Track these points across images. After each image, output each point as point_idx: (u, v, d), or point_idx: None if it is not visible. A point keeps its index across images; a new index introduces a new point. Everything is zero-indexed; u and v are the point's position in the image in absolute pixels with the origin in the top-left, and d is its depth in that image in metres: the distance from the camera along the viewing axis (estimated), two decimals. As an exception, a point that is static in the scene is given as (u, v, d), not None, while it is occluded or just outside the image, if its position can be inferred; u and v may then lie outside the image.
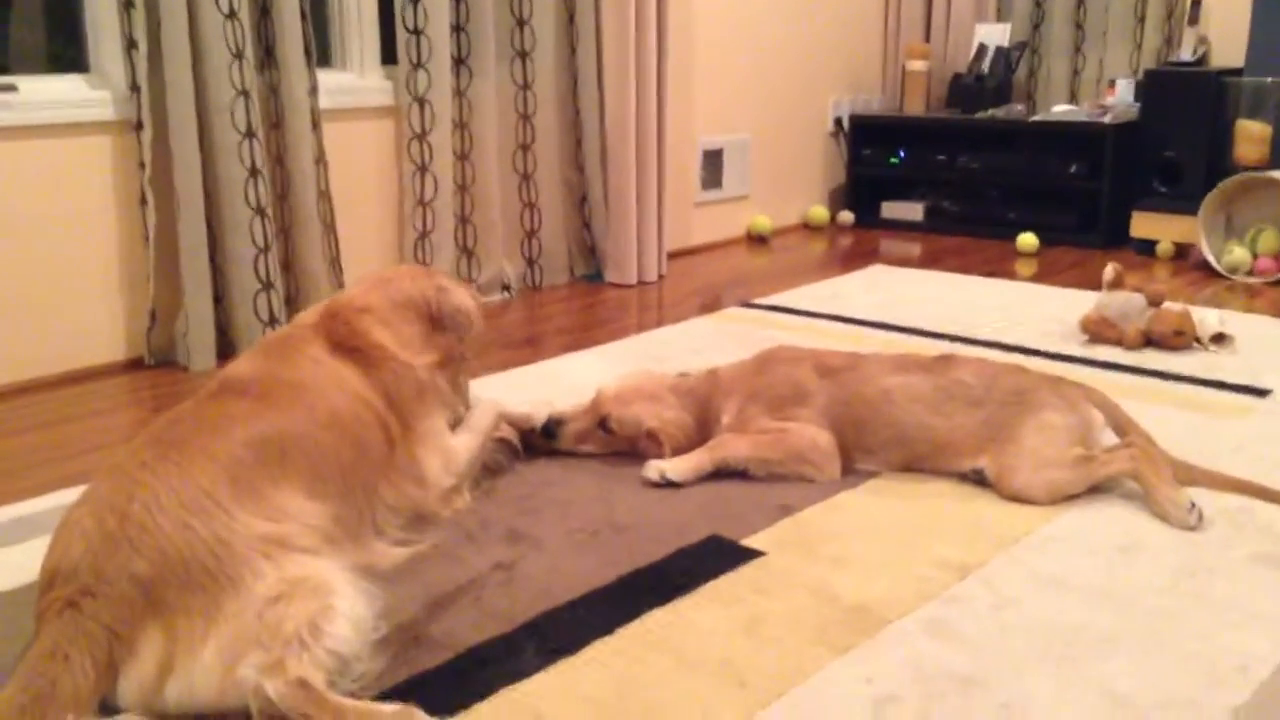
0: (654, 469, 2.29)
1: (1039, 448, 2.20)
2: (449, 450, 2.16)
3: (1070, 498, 2.20)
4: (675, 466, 2.30)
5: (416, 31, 3.60)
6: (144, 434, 1.74)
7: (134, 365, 3.19)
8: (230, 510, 1.58)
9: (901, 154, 5.38)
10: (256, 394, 1.84)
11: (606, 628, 1.73)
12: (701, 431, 2.41)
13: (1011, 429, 2.24)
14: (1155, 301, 3.25)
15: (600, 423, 2.42)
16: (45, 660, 1.43)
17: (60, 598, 1.48)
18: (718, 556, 1.98)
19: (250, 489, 1.64)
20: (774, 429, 2.33)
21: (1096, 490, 2.22)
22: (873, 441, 2.33)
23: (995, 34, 5.37)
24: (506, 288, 4.02)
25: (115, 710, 1.46)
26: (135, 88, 3.01)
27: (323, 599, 1.51)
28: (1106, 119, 4.83)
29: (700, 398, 2.43)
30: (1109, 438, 2.30)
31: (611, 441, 2.42)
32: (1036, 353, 3.16)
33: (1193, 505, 2.09)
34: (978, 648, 1.68)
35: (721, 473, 2.31)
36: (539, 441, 2.46)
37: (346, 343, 2.06)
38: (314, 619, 1.48)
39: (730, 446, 2.33)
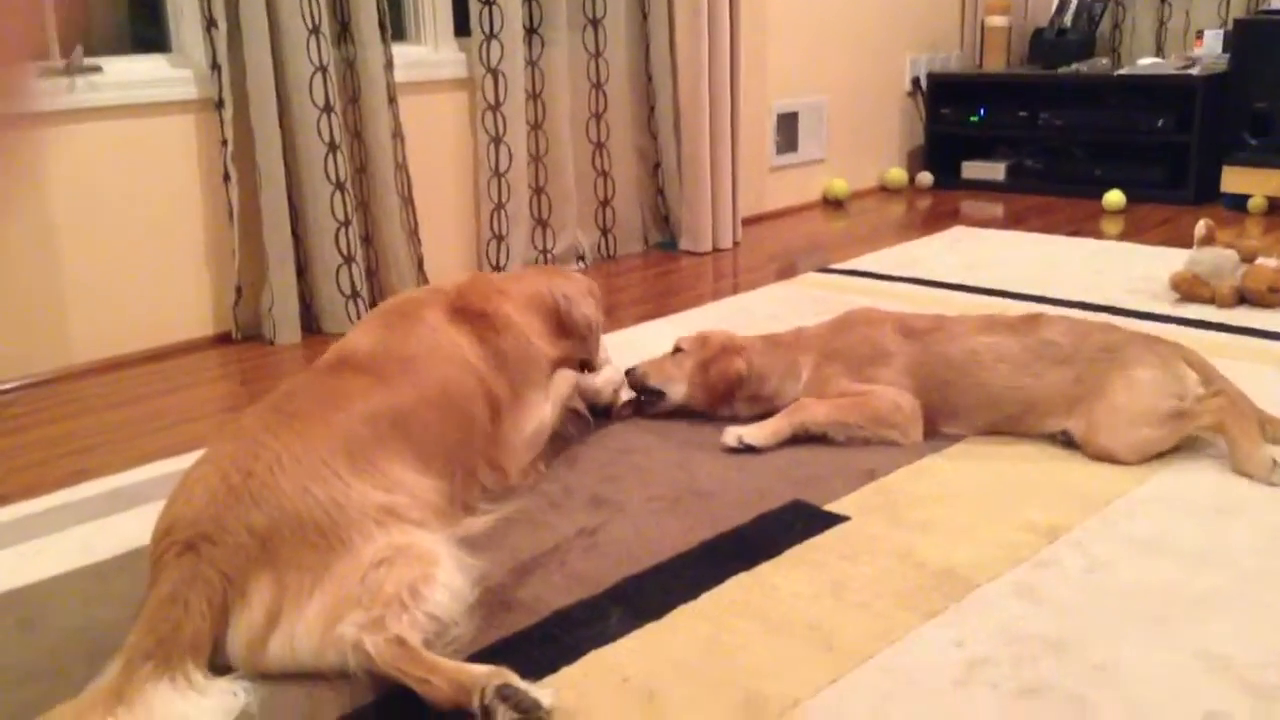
0: (732, 435, 2.29)
1: (1128, 404, 2.15)
2: (541, 422, 2.21)
3: (1159, 455, 2.15)
4: (753, 432, 2.29)
5: (489, 2, 3.60)
6: (264, 402, 1.82)
7: (222, 340, 3.26)
8: (346, 479, 1.64)
9: (981, 112, 5.26)
10: (372, 369, 1.91)
11: (692, 592, 1.74)
12: (779, 384, 2.40)
13: (1101, 386, 2.18)
14: (1248, 257, 3.16)
15: (674, 349, 2.46)
16: (167, 605, 1.48)
17: (179, 541, 1.54)
18: (801, 521, 1.97)
19: (366, 461, 1.71)
20: (855, 391, 2.30)
21: (1190, 450, 2.17)
22: (958, 404, 2.29)
23: (1077, -14, 5.22)
24: (581, 258, 4.02)
25: (221, 669, 1.51)
26: (216, 66, 3.05)
27: (425, 566, 1.56)
28: (1195, 71, 4.68)
29: (782, 348, 2.44)
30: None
31: (689, 381, 2.42)
32: (1126, 312, 3.09)
33: (1276, 462, 2.04)
34: (1069, 611, 1.66)
35: (801, 438, 2.30)
36: (620, 412, 2.49)
37: (474, 309, 2.14)
38: (414, 583, 1.52)
39: (810, 411, 2.31)
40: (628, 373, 2.48)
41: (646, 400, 2.48)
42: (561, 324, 2.34)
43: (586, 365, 2.45)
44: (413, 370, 1.94)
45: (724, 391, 2.40)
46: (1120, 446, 2.14)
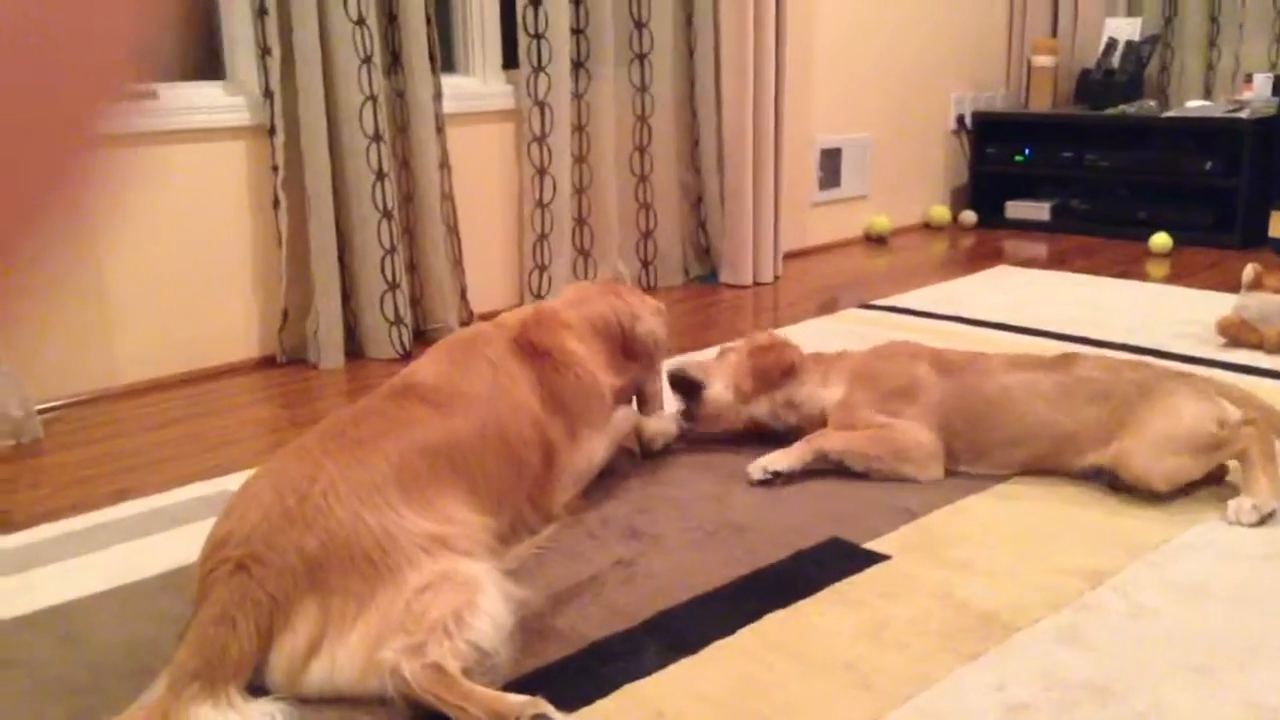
0: (757, 467, 2.29)
1: (1166, 429, 2.14)
2: (592, 461, 2.22)
3: (1200, 496, 2.13)
4: (776, 459, 2.29)
5: (537, 35, 3.65)
6: (327, 423, 1.84)
7: (266, 363, 3.29)
8: (399, 509, 1.66)
9: (1027, 152, 5.25)
10: (436, 402, 1.92)
11: (728, 628, 1.73)
12: (813, 392, 2.42)
13: (1140, 416, 2.17)
14: (1298, 303, 3.12)
15: (720, 352, 2.49)
16: (215, 626, 1.50)
17: (231, 559, 1.56)
18: (840, 559, 1.96)
19: (419, 493, 1.72)
20: (877, 424, 2.30)
21: (1234, 495, 2.13)
22: (990, 440, 2.28)
23: (1125, 28, 5.21)
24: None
25: (258, 689, 1.52)
26: (269, 93, 3.10)
27: (469, 594, 1.57)
28: (1244, 114, 4.64)
29: (823, 363, 2.46)
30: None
31: (736, 370, 2.43)
32: (1172, 355, 3.05)
33: (1273, 513, 2.03)
34: (1112, 656, 1.63)
35: (838, 474, 2.29)
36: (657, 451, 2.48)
37: (538, 345, 2.15)
38: (459, 610, 1.53)
39: (829, 439, 2.32)
40: (669, 367, 2.48)
41: (685, 407, 2.47)
42: (627, 345, 2.34)
43: (642, 395, 2.45)
44: (474, 408, 1.94)
45: (773, 378, 2.41)
46: (1154, 473, 2.13)
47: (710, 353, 2.99)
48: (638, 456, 2.44)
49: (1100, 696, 1.54)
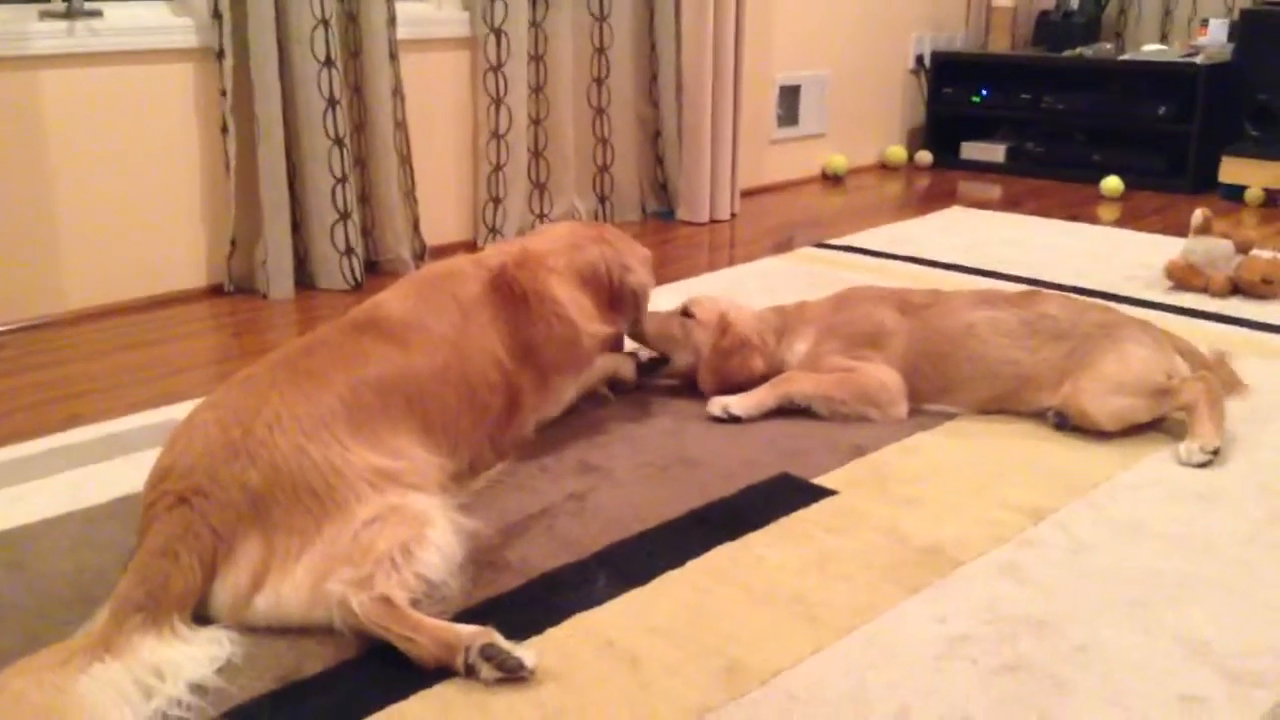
0: (717, 404, 2.30)
1: (1115, 373, 2.18)
2: (558, 405, 2.22)
3: (1144, 438, 2.18)
4: (738, 402, 2.30)
5: (494, -39, 3.57)
6: (279, 353, 1.80)
7: (214, 292, 3.25)
8: (346, 443, 1.63)
9: (984, 93, 5.25)
10: (398, 339, 1.88)
11: (677, 560, 1.75)
12: (780, 355, 2.41)
13: (1093, 358, 2.21)
14: (1244, 248, 3.17)
15: (683, 310, 2.45)
16: (158, 558, 1.49)
17: (173, 491, 1.55)
18: (789, 494, 1.98)
19: (369, 428, 1.69)
20: (844, 367, 2.31)
21: (1176, 438, 2.18)
22: (954, 377, 2.30)
23: (1085, -30, 5.20)
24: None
25: (206, 619, 1.52)
26: (217, 15, 3.02)
27: (418, 526, 1.56)
28: (1199, 59, 4.67)
29: (782, 321, 2.44)
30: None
31: (700, 359, 2.40)
32: (1119, 298, 3.09)
33: (1216, 451, 2.08)
34: (1052, 591, 1.67)
35: (792, 412, 2.31)
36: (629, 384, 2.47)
37: (517, 288, 2.09)
38: (407, 543, 1.53)
39: (795, 383, 2.32)
40: (633, 328, 2.45)
41: (650, 364, 2.48)
42: (614, 296, 2.28)
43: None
44: (437, 348, 1.91)
45: (737, 385, 2.37)
46: (1100, 411, 2.17)
47: (664, 298, 2.98)
48: (608, 398, 2.42)
49: (1039, 629, 1.57)
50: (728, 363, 2.38)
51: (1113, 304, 2.91)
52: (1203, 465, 2.08)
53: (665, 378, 2.49)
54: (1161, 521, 1.89)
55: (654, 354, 2.48)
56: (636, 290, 2.32)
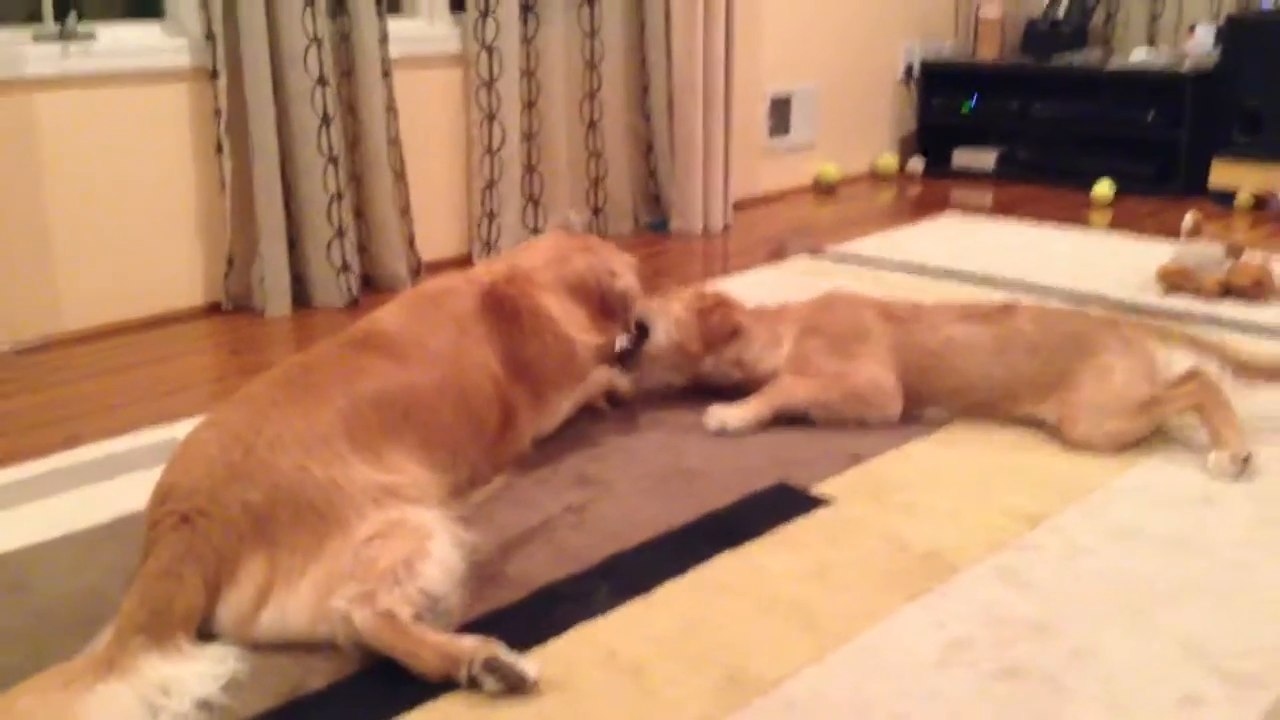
0: (714, 418, 2.30)
1: (1098, 396, 2.18)
2: (554, 421, 2.23)
3: (1140, 445, 2.18)
4: (735, 414, 2.31)
5: (485, -22, 3.59)
6: (278, 371, 1.82)
7: (212, 310, 3.25)
8: (347, 460, 1.64)
9: (974, 101, 5.28)
10: (396, 355, 1.89)
11: (678, 570, 1.76)
12: (762, 352, 2.40)
13: (1071, 375, 2.22)
14: (1234, 252, 3.19)
15: (666, 298, 2.47)
16: (161, 579, 1.50)
17: (175, 512, 1.55)
18: (787, 503, 1.99)
19: (368, 445, 1.70)
20: (834, 370, 2.32)
21: (1171, 441, 2.19)
22: (934, 389, 2.32)
23: (1072, -22, 5.23)
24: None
25: (210, 635, 1.53)
26: (210, 35, 3.04)
27: (419, 540, 1.57)
28: (1186, 66, 4.70)
29: (767, 318, 2.45)
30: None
31: (682, 326, 2.39)
32: (1112, 303, 3.11)
33: (1248, 459, 2.06)
34: (1049, 596, 1.68)
35: (789, 420, 2.32)
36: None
37: (508, 306, 2.10)
38: (409, 558, 1.53)
39: (789, 392, 2.33)
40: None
41: (627, 350, 2.42)
42: (604, 303, 2.30)
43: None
44: (434, 363, 1.92)
45: (719, 339, 2.39)
46: (1093, 439, 2.18)
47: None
48: (605, 411, 2.43)
49: (1037, 634, 1.58)
50: (709, 320, 2.39)
51: (1106, 310, 2.94)
52: (1235, 478, 2.04)
53: (646, 367, 2.44)
54: (1157, 525, 1.90)
55: (626, 343, 2.41)
56: (626, 293, 2.34)
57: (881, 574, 1.75)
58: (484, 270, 2.21)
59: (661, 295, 2.50)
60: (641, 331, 2.43)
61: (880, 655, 1.54)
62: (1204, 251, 3.20)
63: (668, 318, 2.42)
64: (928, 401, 2.33)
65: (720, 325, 2.40)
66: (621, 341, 2.44)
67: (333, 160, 3.23)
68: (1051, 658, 1.53)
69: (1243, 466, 2.06)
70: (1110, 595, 1.68)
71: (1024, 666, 1.51)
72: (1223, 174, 4.52)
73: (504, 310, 2.10)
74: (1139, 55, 5.02)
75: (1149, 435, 2.20)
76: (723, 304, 2.44)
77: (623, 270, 2.34)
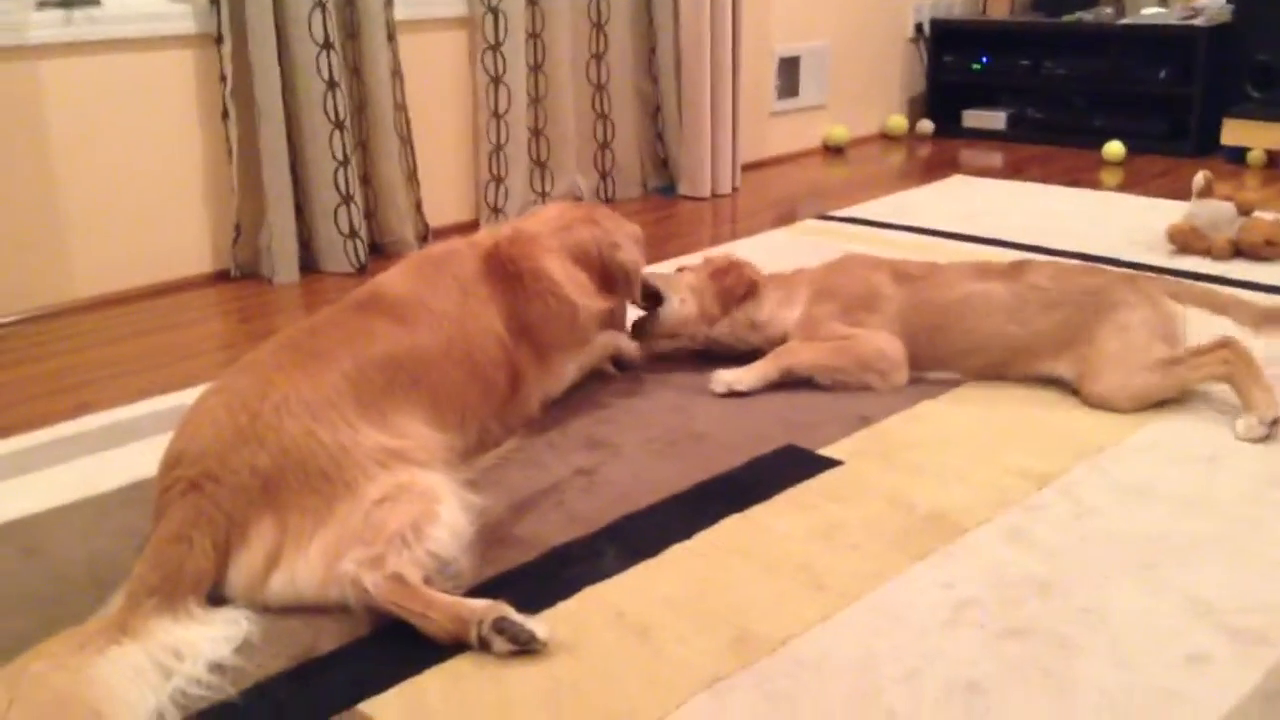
0: (721, 381, 2.31)
1: (1119, 351, 2.17)
2: (560, 384, 2.24)
3: (1159, 404, 2.17)
4: (741, 376, 2.31)
5: (490, -60, 3.56)
6: (284, 335, 1.82)
7: (220, 277, 3.26)
8: (354, 424, 1.65)
9: (984, 60, 5.23)
10: (401, 316, 1.89)
11: (686, 532, 1.77)
12: (775, 312, 2.41)
13: (1089, 331, 2.21)
14: (1246, 211, 3.16)
15: (678, 269, 2.48)
16: (172, 543, 1.51)
17: (184, 478, 1.56)
18: (795, 465, 2.00)
19: (376, 409, 1.71)
20: (842, 335, 2.32)
21: (1181, 400, 2.19)
22: (949, 349, 2.31)
23: (1084, -67, 5.17)
24: (579, 201, 4.01)
25: (221, 599, 1.54)
26: (215, 0, 3.02)
27: (428, 503, 1.58)
28: (1198, 21, 4.65)
29: (780, 281, 2.46)
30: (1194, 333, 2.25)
31: (698, 290, 2.42)
32: (1122, 263, 3.09)
33: (1275, 421, 2.04)
34: (1058, 555, 1.68)
35: (795, 384, 2.32)
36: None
37: (512, 267, 2.10)
38: (417, 521, 1.54)
39: (796, 354, 2.33)
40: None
41: (642, 319, 2.45)
42: (606, 274, 2.29)
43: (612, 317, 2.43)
44: (441, 325, 1.92)
45: (734, 298, 2.40)
46: (1115, 395, 2.16)
47: (668, 266, 2.99)
48: (614, 376, 2.43)
49: (1045, 592, 1.59)
50: (726, 279, 2.41)
51: (1117, 269, 2.92)
52: (1264, 439, 2.03)
53: (646, 343, 2.47)
54: (1166, 484, 1.90)
55: (650, 287, 2.43)
56: (626, 266, 2.32)
57: (889, 534, 1.75)
58: (487, 234, 2.21)
59: (670, 273, 2.51)
60: (654, 300, 2.43)
61: (888, 615, 1.54)
62: (1215, 210, 3.17)
63: (680, 286, 2.44)
64: (944, 361, 2.32)
65: (735, 284, 2.41)
66: (632, 312, 2.46)
67: (339, 125, 3.22)
68: (1059, 616, 1.53)
69: (1271, 429, 2.05)
70: (1118, 554, 1.69)
71: (1031, 625, 1.51)
72: (1235, 132, 4.48)
73: (507, 272, 2.10)
74: (1150, 10, 4.97)
75: (1174, 398, 2.18)
76: (736, 264, 2.45)
77: (625, 242, 2.33)
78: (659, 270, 2.54)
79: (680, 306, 2.43)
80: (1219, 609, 1.54)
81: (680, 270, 2.52)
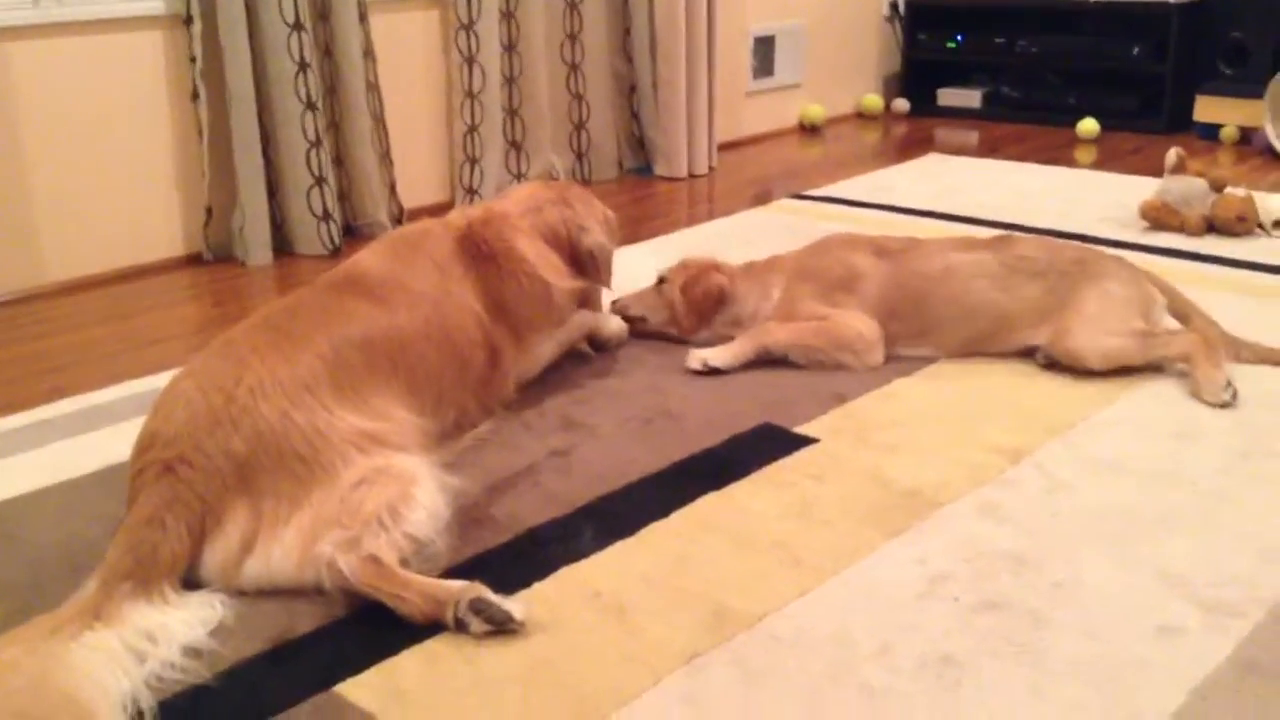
0: (695, 357, 2.31)
1: (1098, 313, 2.20)
2: (537, 363, 2.24)
3: (1125, 377, 2.19)
4: (716, 354, 2.32)
5: (462, -82, 3.54)
6: (259, 316, 1.81)
7: (193, 260, 3.23)
8: (330, 407, 1.64)
9: (959, 38, 5.23)
10: (378, 297, 1.88)
11: (662, 510, 1.77)
12: (756, 305, 2.43)
13: (1074, 295, 2.23)
14: (1218, 187, 3.18)
15: (659, 279, 2.50)
16: (145, 527, 1.51)
17: (158, 461, 1.55)
18: (771, 443, 2.00)
19: (353, 390, 1.70)
20: (819, 315, 2.33)
21: (1153, 374, 2.21)
22: (933, 319, 2.32)
23: (1058, -89, 5.17)
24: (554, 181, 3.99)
25: (196, 583, 1.53)
26: (183, -19, 3.00)
27: (404, 486, 1.58)
28: (1172, -2, 4.67)
29: (758, 271, 2.47)
30: (1169, 324, 2.29)
31: (673, 306, 2.45)
32: (1096, 239, 3.11)
33: (1229, 384, 2.09)
34: (1030, 530, 1.70)
35: (772, 362, 2.32)
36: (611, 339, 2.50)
37: (485, 247, 2.10)
38: (394, 504, 1.54)
39: (772, 333, 2.34)
40: (613, 304, 2.51)
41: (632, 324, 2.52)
42: (574, 256, 2.29)
43: (586, 298, 2.43)
44: (418, 305, 1.91)
45: (708, 308, 2.42)
46: (1087, 351, 2.19)
47: (643, 256, 2.99)
48: (591, 356, 2.43)
49: (1018, 566, 1.60)
50: (694, 291, 2.42)
51: (1091, 246, 2.94)
52: (1230, 402, 2.07)
53: (646, 335, 2.51)
54: (1138, 459, 1.91)
55: (633, 316, 2.52)
56: (593, 250, 2.31)
57: (864, 511, 1.76)
58: (459, 214, 2.20)
59: (657, 281, 2.53)
60: (636, 320, 2.50)
61: (863, 590, 1.55)
62: (1188, 187, 3.19)
63: (659, 307, 2.48)
64: (927, 333, 2.33)
65: (704, 297, 2.41)
66: (607, 294, 2.49)
67: (311, 106, 3.19)
68: (1032, 590, 1.55)
69: (1229, 397, 2.08)
70: (1090, 528, 1.70)
71: (1004, 599, 1.53)
72: (1208, 108, 4.51)
73: (480, 252, 2.10)
74: (1124, -11, 4.98)
75: (1138, 368, 2.21)
76: (704, 271, 2.44)
77: (593, 226, 2.33)
78: (644, 263, 2.53)
79: (662, 325, 2.49)
80: (1190, 581, 1.56)
81: (660, 283, 2.51)
